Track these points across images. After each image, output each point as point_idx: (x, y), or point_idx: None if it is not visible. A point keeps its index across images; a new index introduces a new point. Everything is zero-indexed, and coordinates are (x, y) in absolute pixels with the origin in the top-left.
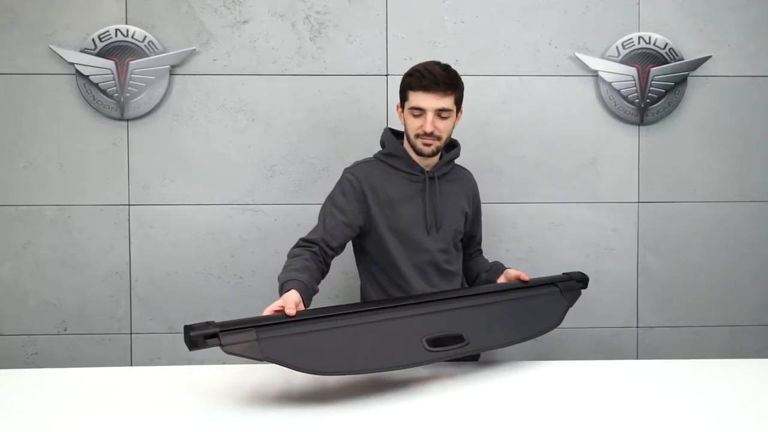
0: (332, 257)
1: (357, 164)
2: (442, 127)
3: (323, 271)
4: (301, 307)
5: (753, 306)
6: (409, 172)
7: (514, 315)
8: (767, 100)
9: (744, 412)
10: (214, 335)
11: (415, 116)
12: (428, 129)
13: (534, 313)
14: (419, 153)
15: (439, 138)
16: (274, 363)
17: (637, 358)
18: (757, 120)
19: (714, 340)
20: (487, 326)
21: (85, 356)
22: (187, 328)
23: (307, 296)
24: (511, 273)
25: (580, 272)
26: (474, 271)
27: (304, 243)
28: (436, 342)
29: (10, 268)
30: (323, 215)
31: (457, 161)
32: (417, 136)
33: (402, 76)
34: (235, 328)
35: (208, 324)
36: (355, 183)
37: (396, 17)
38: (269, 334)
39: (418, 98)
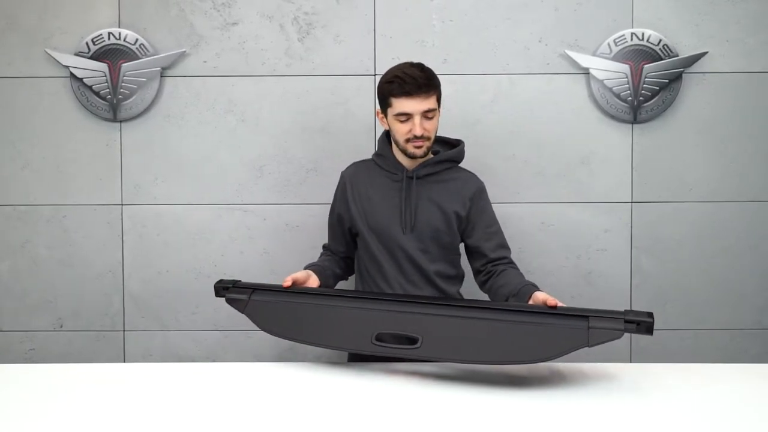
0: (347, 260)
1: (351, 165)
2: (430, 127)
3: (344, 267)
4: (313, 282)
5: (753, 309)
6: (391, 172)
7: (494, 336)
8: None
9: (743, 418)
10: (226, 289)
11: (402, 122)
12: (418, 132)
13: (521, 340)
14: (412, 156)
15: (429, 138)
16: (247, 317)
17: (631, 362)
18: (758, 117)
19: (712, 343)
20: (453, 338)
21: (80, 352)
22: (217, 281)
23: (323, 276)
24: (539, 297)
25: (647, 312)
26: (502, 291)
27: (322, 250)
28: (386, 338)
29: (9, 266)
30: (328, 222)
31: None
32: (407, 140)
33: (379, 84)
34: (243, 287)
35: (234, 282)
36: (341, 183)
37: (384, 17)
38: (258, 298)
39: (402, 104)
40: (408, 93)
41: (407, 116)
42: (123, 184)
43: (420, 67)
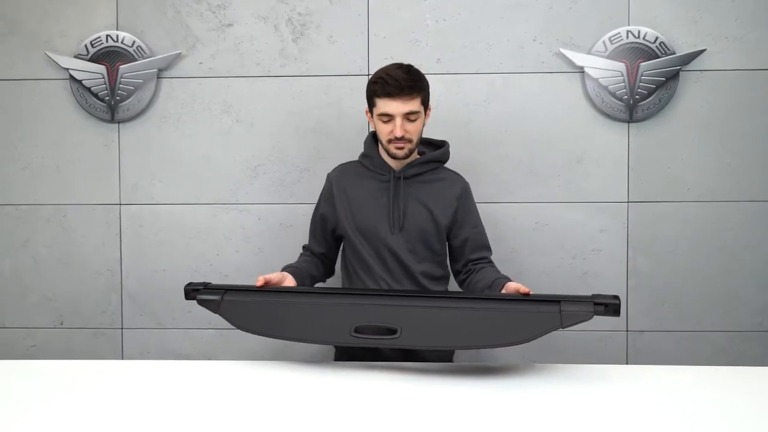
0: (326, 261)
1: (337, 166)
2: (412, 129)
3: (322, 269)
4: (288, 283)
5: (752, 310)
6: (378, 173)
7: (471, 323)
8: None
9: (741, 421)
10: (197, 290)
11: (385, 122)
12: (398, 134)
13: (497, 326)
14: (393, 157)
15: (410, 140)
16: (222, 317)
17: (627, 364)
18: (758, 115)
19: (710, 346)
20: (431, 327)
21: (80, 349)
22: (187, 284)
23: (300, 277)
24: (511, 286)
25: (613, 296)
26: (477, 287)
27: (302, 251)
28: (365, 330)
29: (11, 264)
30: (311, 222)
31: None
32: (389, 141)
33: (367, 83)
34: (214, 288)
35: (204, 284)
36: (327, 185)
37: (377, 17)
38: (231, 298)
39: (385, 105)
40: (389, 94)
41: (389, 117)
42: (121, 184)
43: (406, 69)
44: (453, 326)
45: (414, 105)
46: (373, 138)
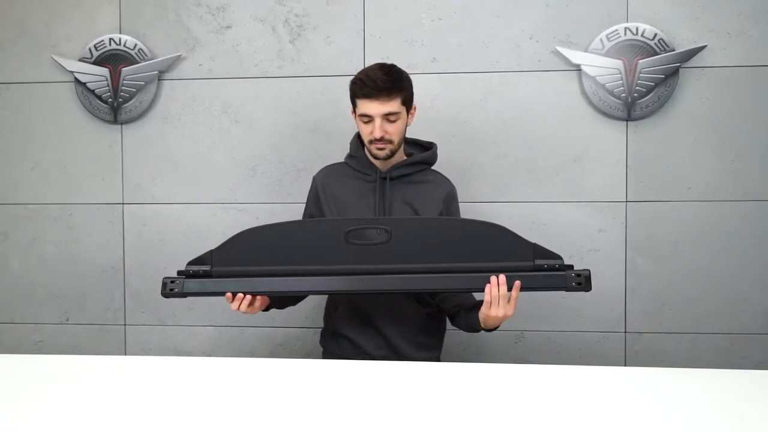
0: None
1: (322, 168)
2: (392, 130)
3: None
4: (261, 302)
5: (756, 312)
6: (364, 173)
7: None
8: None
9: (743, 428)
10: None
11: (365, 123)
12: (377, 135)
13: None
14: (375, 157)
15: (390, 141)
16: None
17: (625, 365)
18: (760, 112)
19: (711, 348)
20: (422, 237)
21: (85, 345)
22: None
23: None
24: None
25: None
26: (451, 300)
27: None
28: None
29: (20, 262)
30: None
31: (437, 165)
32: (370, 142)
33: (349, 84)
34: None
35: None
36: (313, 187)
37: (373, 17)
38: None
39: (364, 106)
40: (367, 95)
41: (369, 118)
42: (124, 184)
43: (387, 69)
44: (443, 239)
45: (393, 106)
46: (359, 139)
